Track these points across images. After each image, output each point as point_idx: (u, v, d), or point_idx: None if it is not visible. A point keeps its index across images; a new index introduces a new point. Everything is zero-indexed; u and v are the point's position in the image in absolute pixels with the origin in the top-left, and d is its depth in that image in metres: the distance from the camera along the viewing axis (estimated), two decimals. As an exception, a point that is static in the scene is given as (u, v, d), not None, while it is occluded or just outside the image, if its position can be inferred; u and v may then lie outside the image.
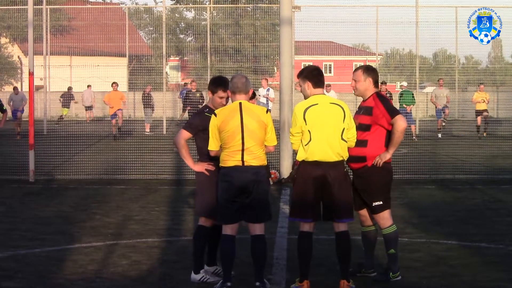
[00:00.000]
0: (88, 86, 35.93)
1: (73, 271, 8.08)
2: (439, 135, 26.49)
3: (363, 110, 7.63)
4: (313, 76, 7.38)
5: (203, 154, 7.58)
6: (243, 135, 7.12)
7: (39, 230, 10.41)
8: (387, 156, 7.54)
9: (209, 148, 7.27)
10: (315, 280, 7.38)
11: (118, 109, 27.50)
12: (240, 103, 7.22)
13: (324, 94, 7.42)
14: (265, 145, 7.29)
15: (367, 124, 7.55)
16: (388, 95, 24.82)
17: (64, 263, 8.44)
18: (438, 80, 28.33)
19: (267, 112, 7.29)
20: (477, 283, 7.63)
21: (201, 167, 7.54)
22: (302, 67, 7.71)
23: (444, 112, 27.39)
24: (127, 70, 36.19)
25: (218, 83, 7.69)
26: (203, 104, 7.99)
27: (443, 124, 27.12)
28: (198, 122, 7.59)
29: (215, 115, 7.23)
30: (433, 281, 7.71)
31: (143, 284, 7.63)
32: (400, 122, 7.50)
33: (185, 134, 7.57)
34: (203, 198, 7.59)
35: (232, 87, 7.30)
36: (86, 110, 36.27)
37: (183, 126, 7.66)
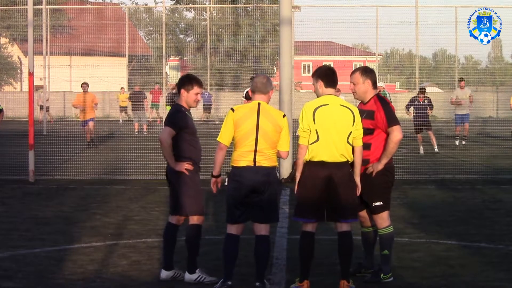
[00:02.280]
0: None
1: (73, 271, 8.08)
2: (457, 142, 23.53)
3: (366, 114, 7.57)
4: (325, 75, 7.36)
5: (181, 153, 7.60)
6: (257, 136, 7.12)
7: (39, 230, 10.41)
8: (379, 166, 7.52)
9: (219, 139, 7.22)
10: (315, 280, 7.38)
11: (90, 118, 23.27)
12: (259, 104, 7.23)
13: (334, 94, 7.38)
14: (278, 150, 7.24)
15: (370, 128, 7.52)
16: (427, 101, 21.97)
17: (64, 263, 8.44)
18: (459, 81, 24.72)
19: (284, 116, 7.28)
20: (477, 283, 7.64)
21: (181, 166, 7.56)
22: (317, 67, 7.69)
23: (464, 125, 23.87)
24: (127, 70, 36.21)
25: (192, 79, 7.73)
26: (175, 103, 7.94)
27: (463, 142, 23.54)
28: (180, 120, 7.60)
29: (233, 110, 7.23)
30: (433, 281, 7.71)
31: (143, 284, 7.63)
32: (396, 133, 7.47)
33: (171, 132, 7.58)
34: (193, 198, 7.60)
35: (252, 86, 7.31)
36: (40, 110, 36.90)
37: (167, 124, 7.62)
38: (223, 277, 7.19)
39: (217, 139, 7.25)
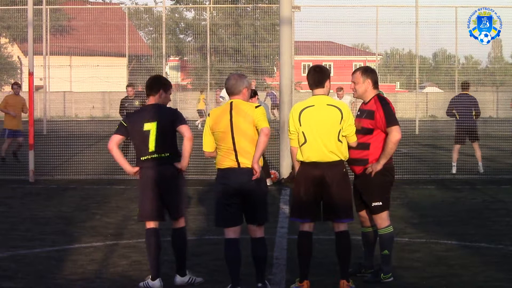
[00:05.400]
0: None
1: (73, 271, 8.08)
2: None
3: (366, 114, 7.58)
4: (310, 75, 7.37)
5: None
6: (233, 134, 7.05)
7: (39, 230, 10.41)
8: (378, 167, 7.52)
9: (204, 149, 7.20)
10: (315, 280, 7.38)
11: (17, 130, 18.51)
12: (231, 103, 7.17)
13: (323, 95, 7.36)
14: (259, 133, 7.00)
15: (369, 128, 7.52)
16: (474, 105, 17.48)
17: (64, 263, 8.44)
18: None
19: (256, 107, 7.11)
20: (477, 283, 7.63)
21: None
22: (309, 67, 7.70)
23: None
24: (126, 70, 36.19)
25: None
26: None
27: None
28: None
29: (209, 115, 7.22)
30: (433, 281, 7.71)
31: (143, 284, 7.62)
32: (394, 133, 7.47)
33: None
34: (185, 199, 7.69)
35: (225, 87, 7.29)
36: None
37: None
38: (231, 283, 7.12)
39: (203, 149, 7.21)
